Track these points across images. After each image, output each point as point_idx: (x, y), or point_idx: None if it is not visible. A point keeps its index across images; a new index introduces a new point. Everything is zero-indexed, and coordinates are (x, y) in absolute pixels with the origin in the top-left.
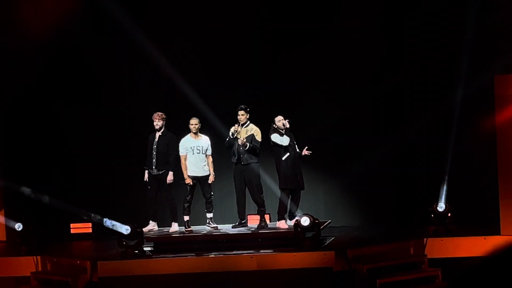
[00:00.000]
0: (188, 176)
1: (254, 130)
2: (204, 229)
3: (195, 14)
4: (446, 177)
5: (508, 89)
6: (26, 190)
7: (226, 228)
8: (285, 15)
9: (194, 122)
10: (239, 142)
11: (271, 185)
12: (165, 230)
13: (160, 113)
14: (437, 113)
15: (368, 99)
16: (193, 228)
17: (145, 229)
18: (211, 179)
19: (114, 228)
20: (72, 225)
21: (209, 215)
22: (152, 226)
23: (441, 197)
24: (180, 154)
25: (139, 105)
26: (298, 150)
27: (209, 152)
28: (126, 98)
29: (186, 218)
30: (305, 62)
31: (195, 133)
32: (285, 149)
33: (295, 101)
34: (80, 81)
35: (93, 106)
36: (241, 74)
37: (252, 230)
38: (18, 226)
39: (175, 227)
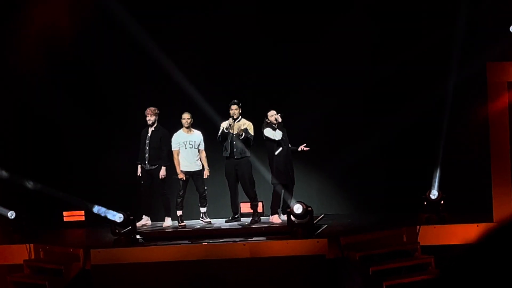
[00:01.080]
0: (181, 171)
1: (247, 124)
2: (198, 223)
3: (189, 7)
4: (439, 165)
5: (500, 76)
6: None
7: (220, 222)
8: (276, 4)
9: (186, 117)
10: (237, 130)
11: (265, 175)
12: (158, 224)
13: (152, 108)
14: (430, 100)
15: (359, 87)
16: (186, 223)
17: (138, 224)
18: (206, 174)
19: (106, 214)
20: (65, 213)
21: (203, 209)
22: (145, 221)
23: (434, 185)
24: (173, 149)
25: (133, 100)
26: (290, 145)
27: (202, 146)
28: (120, 93)
29: (179, 213)
30: (297, 54)
31: (188, 128)
32: (277, 144)
33: (286, 91)
34: (76, 74)
35: (89, 99)
36: (233, 68)
37: (245, 225)
38: (11, 214)
39: (168, 222)
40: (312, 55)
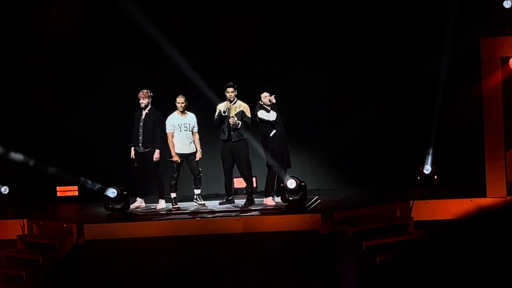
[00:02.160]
0: (175, 153)
1: (243, 106)
2: (192, 205)
3: None
4: (433, 140)
5: (494, 52)
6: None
7: (214, 205)
8: None
9: (180, 101)
10: (231, 121)
11: (259, 151)
12: (152, 207)
13: (145, 91)
14: (424, 76)
15: (352, 64)
16: (180, 205)
17: (132, 206)
18: (198, 156)
19: (99, 190)
20: (58, 188)
21: (197, 191)
22: (139, 203)
23: (428, 160)
24: (167, 132)
25: (128, 83)
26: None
27: (196, 129)
28: (116, 76)
29: (173, 195)
30: (289, 32)
31: (182, 111)
32: (272, 126)
33: (279, 70)
34: (73, 56)
35: (84, 80)
36: (227, 51)
37: (239, 207)
38: (5, 189)
39: (162, 204)
40: (305, 31)
